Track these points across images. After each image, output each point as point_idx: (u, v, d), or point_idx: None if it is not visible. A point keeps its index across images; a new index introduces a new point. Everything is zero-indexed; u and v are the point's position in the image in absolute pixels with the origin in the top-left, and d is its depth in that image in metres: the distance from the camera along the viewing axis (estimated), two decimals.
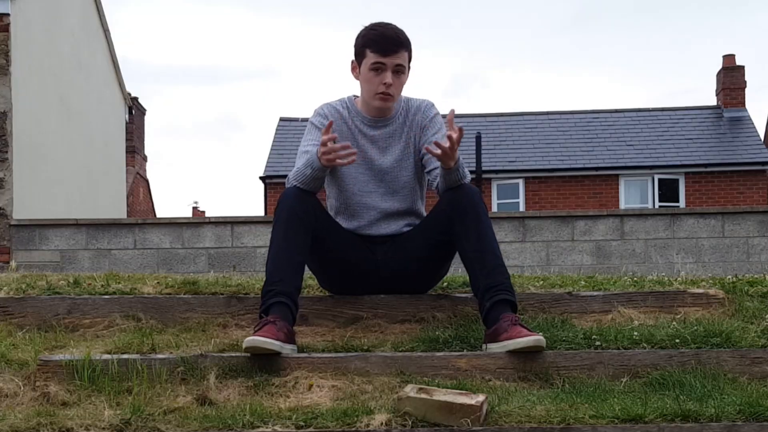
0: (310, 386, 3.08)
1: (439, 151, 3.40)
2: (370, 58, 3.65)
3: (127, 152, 18.08)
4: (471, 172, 14.90)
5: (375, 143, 3.75)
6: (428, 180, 3.80)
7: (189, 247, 10.10)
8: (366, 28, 3.71)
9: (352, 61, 3.75)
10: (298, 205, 3.50)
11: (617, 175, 20.59)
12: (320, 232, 3.55)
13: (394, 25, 3.71)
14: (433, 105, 3.84)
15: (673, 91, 63.16)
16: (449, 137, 3.39)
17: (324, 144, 3.43)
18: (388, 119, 3.78)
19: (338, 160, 3.45)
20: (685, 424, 2.78)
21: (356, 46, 3.71)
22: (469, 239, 3.49)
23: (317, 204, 3.60)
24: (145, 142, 24.30)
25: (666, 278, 4.31)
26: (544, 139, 21.77)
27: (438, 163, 3.57)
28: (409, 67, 3.73)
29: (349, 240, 3.69)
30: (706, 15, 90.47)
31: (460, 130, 3.40)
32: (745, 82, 22.71)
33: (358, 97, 3.83)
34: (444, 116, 3.65)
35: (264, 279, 3.48)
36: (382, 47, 3.63)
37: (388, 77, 3.64)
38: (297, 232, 3.46)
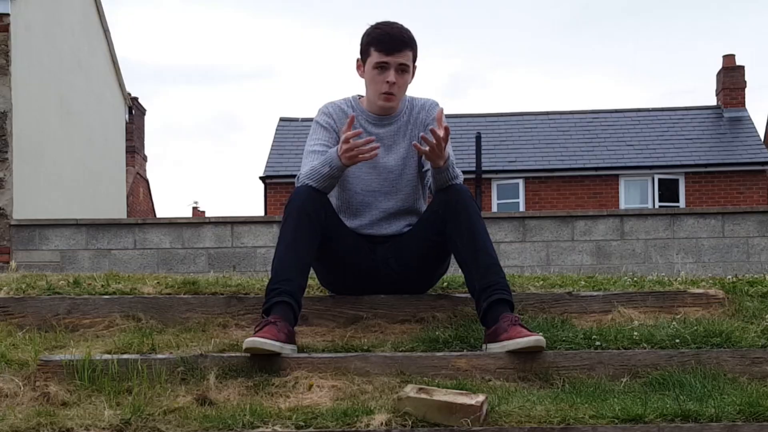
0: (310, 386, 3.08)
1: (426, 148, 3.41)
2: (374, 56, 3.66)
3: (127, 152, 18.08)
4: (471, 172, 14.92)
5: (380, 142, 3.75)
6: (425, 179, 3.80)
7: (189, 247, 10.09)
8: (371, 26, 3.71)
9: (358, 60, 3.76)
10: (310, 205, 3.50)
11: (617, 175, 20.59)
12: (327, 232, 3.55)
13: (400, 24, 3.71)
14: (437, 104, 3.84)
15: (673, 91, 63.13)
16: (432, 131, 3.39)
17: (347, 141, 3.43)
18: (392, 118, 3.79)
19: (360, 156, 3.45)
20: (685, 424, 2.78)
21: (361, 44, 3.72)
22: (462, 239, 3.49)
23: (327, 203, 3.61)
24: (145, 142, 24.32)
25: (666, 278, 4.31)
26: (544, 139, 21.76)
27: None
28: (414, 67, 3.74)
29: (351, 239, 3.69)
30: (705, 15, 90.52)
31: (446, 128, 3.40)
32: (745, 82, 22.70)
33: (362, 96, 3.84)
34: (448, 117, 3.65)
35: (266, 277, 3.48)
36: (386, 46, 3.63)
37: (391, 76, 3.65)
38: (306, 232, 3.46)
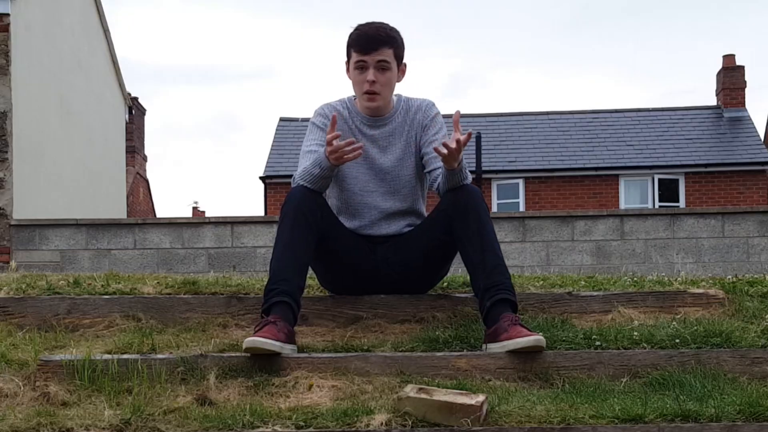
0: (310, 386, 3.08)
1: (446, 152, 3.41)
2: (354, 56, 3.70)
3: (127, 152, 18.08)
4: (471, 172, 14.90)
5: (375, 142, 3.76)
6: (429, 180, 3.80)
7: (189, 247, 10.10)
8: (353, 28, 3.73)
9: (346, 63, 3.78)
10: (305, 204, 3.50)
11: (617, 175, 20.59)
12: (325, 232, 3.56)
13: (380, 23, 3.72)
14: (433, 104, 3.84)
15: (673, 91, 63.09)
16: (457, 140, 3.39)
17: (329, 143, 3.44)
18: (387, 118, 3.79)
19: (345, 157, 3.46)
20: (685, 424, 2.78)
21: (346, 47, 3.75)
22: (470, 239, 3.50)
23: (323, 203, 3.61)
24: (145, 142, 24.32)
25: (666, 278, 4.31)
26: (544, 139, 21.76)
27: (439, 164, 3.57)
28: (399, 64, 3.74)
29: (351, 240, 3.69)
30: (705, 15, 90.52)
31: (469, 133, 3.41)
32: (745, 82, 22.71)
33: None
34: (446, 117, 3.66)
35: (267, 277, 3.49)
36: (363, 45, 3.67)
37: (371, 75, 3.67)
38: (303, 232, 3.47)
